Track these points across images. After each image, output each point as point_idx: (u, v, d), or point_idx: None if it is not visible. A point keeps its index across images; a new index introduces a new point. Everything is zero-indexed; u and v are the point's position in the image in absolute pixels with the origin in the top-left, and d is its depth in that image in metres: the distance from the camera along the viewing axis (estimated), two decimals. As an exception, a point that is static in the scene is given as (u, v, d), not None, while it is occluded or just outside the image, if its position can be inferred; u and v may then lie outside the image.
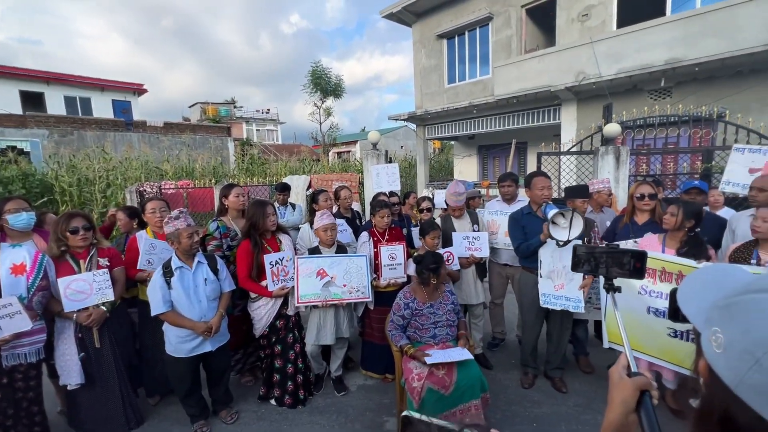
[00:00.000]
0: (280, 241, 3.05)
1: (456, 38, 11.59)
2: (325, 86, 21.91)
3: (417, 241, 3.55)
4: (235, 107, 33.54)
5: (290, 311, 3.00)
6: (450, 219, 3.59)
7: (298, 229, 3.93)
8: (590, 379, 3.34)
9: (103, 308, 2.54)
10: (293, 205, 4.92)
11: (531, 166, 10.44)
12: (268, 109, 35.73)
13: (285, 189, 4.90)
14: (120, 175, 9.69)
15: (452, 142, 15.43)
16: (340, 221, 3.57)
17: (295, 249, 3.18)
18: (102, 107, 18.74)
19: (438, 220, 3.69)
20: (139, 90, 20.34)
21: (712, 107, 6.58)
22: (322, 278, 2.95)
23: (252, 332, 3.07)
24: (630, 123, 7.08)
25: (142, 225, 3.18)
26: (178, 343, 2.56)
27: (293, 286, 2.93)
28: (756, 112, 6.28)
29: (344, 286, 3.00)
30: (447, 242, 3.47)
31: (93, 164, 9.88)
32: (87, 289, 2.49)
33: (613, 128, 5.51)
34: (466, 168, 13.42)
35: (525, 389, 3.20)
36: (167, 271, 2.53)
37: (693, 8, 7.34)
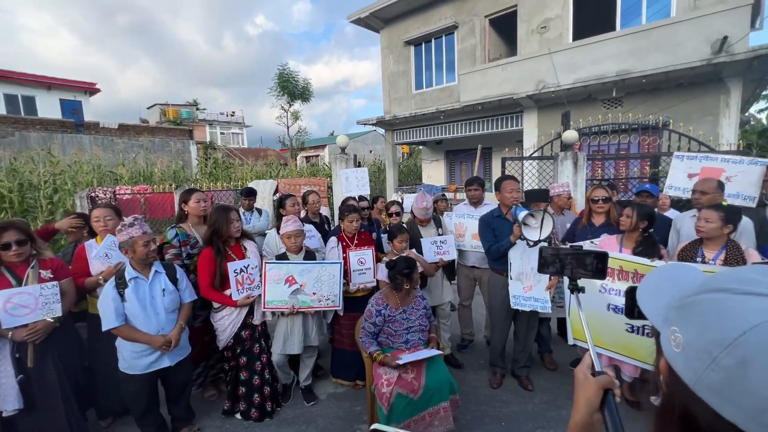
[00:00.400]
0: (245, 248, 2.94)
1: (423, 45, 11.81)
2: (293, 90, 21.63)
3: (387, 246, 3.55)
4: (197, 109, 32.31)
5: (256, 320, 2.89)
6: (416, 225, 3.63)
7: (264, 235, 3.82)
8: (554, 375, 3.46)
9: (50, 319, 2.32)
10: (259, 211, 4.78)
11: (496, 171, 10.77)
12: (233, 112, 34.73)
13: (251, 194, 4.76)
14: (69, 179, 9.01)
15: (420, 147, 15.65)
16: (309, 226, 3.51)
17: (261, 256, 3.08)
18: (48, 107, 17.42)
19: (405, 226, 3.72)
20: (90, 89, 19.11)
21: (658, 116, 7.15)
22: (290, 285, 2.87)
23: (215, 344, 2.94)
24: (586, 130, 7.49)
25: (93, 233, 2.96)
26: (133, 359, 2.39)
27: (259, 295, 2.83)
28: (696, 122, 6.86)
29: (314, 294, 2.92)
30: (414, 248, 3.48)
31: (38, 168, 9.13)
32: (32, 303, 2.27)
33: (571, 135, 5.78)
34: (434, 172, 13.66)
35: (494, 389, 3.26)
36: (120, 282, 2.37)
37: (639, 24, 7.89)
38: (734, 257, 2.49)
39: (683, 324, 0.49)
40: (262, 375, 2.90)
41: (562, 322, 3.89)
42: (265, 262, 2.85)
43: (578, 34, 8.79)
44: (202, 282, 2.76)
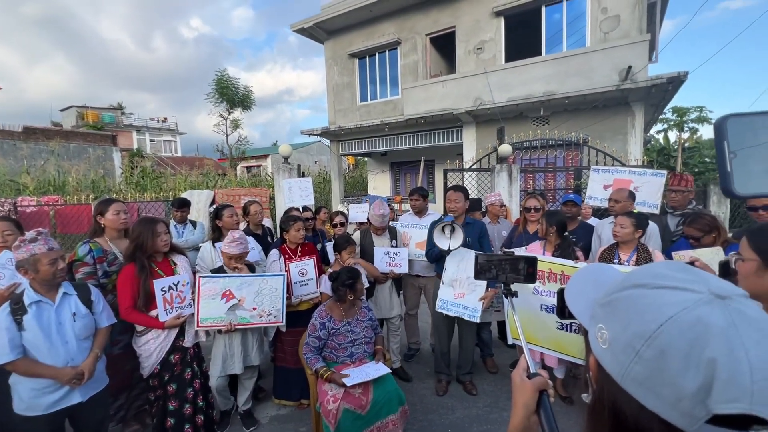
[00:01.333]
0: (175, 264, 2.69)
1: (367, 58, 12.00)
2: (233, 96, 20.91)
3: (332, 257, 3.47)
4: (123, 113, 29.65)
5: (188, 343, 2.64)
6: (369, 234, 3.61)
7: (199, 248, 3.55)
8: (496, 378, 3.60)
9: None
10: (193, 223, 4.45)
11: (438, 182, 11.14)
12: (165, 118, 32.40)
13: (184, 205, 4.41)
14: (-44, 189, 7.69)
15: (366, 158, 15.74)
16: (249, 238, 3.36)
17: (194, 272, 2.84)
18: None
19: (356, 235, 3.67)
20: (-13, 86, 16.66)
21: (579, 134, 7.93)
22: (228, 300, 2.67)
23: (138, 372, 2.62)
24: (519, 145, 8.12)
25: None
26: (33, 398, 2.04)
27: (192, 314, 2.59)
28: (609, 139, 7.72)
29: (254, 309, 2.74)
30: (366, 257, 3.47)
31: None
32: None
33: (505, 149, 6.19)
34: (380, 183, 13.80)
35: (440, 396, 3.30)
36: (17, 308, 2.02)
37: (561, 51, 8.77)
38: (644, 258, 2.79)
39: (608, 321, 0.50)
40: (194, 402, 2.64)
41: (502, 326, 4.10)
42: (199, 276, 2.64)
43: (510, 57, 9.52)
44: (122, 303, 2.46)
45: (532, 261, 1.35)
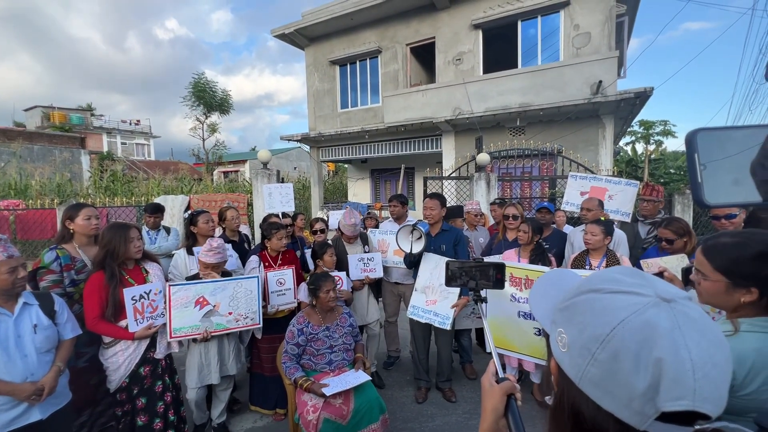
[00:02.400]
0: (147, 271, 2.58)
1: (348, 66, 12.03)
2: (210, 100, 20.52)
3: (311, 264, 3.43)
4: (93, 115, 28.52)
5: (159, 354, 2.52)
6: (341, 242, 3.59)
7: (172, 256, 3.44)
8: (475, 385, 3.62)
9: None
10: (167, 229, 4.30)
11: (419, 189, 11.23)
12: (138, 121, 31.38)
13: (157, 210, 4.26)
14: None
15: (346, 165, 15.74)
16: (226, 245, 3.28)
17: (167, 279, 2.73)
18: None
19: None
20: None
21: (553, 144, 8.21)
22: (202, 307, 2.58)
23: (104, 386, 2.49)
24: (496, 153, 8.30)
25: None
26: (-15, 417, 1.89)
27: (164, 324, 2.49)
28: (581, 150, 8.01)
29: (229, 314, 2.66)
30: (340, 265, 3.44)
31: None
32: None
33: (483, 158, 6.34)
34: (360, 190, 13.78)
35: (419, 404, 3.29)
36: (-29, 320, 1.88)
37: (536, 64, 9.07)
38: (613, 264, 2.90)
39: (566, 325, 0.52)
40: (165, 417, 2.52)
41: (481, 332, 4.14)
42: (169, 285, 2.53)
43: (488, 68, 9.78)
44: (89, 313, 2.34)
45: (500, 267, 1.40)
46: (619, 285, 0.49)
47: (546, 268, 2.93)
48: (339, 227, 3.66)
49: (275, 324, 2.98)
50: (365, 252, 3.57)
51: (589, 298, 0.51)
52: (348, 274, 3.35)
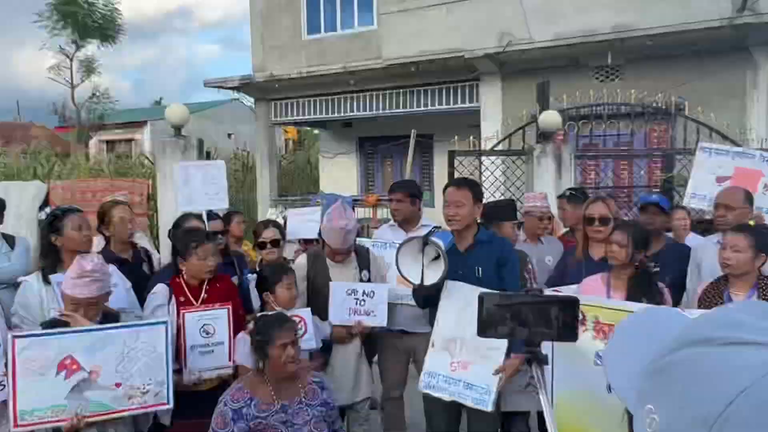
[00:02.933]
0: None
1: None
2: (84, 19, 15.37)
3: (256, 299, 2.69)
4: None
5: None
6: (324, 261, 2.83)
7: (18, 284, 2.61)
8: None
9: None
10: (9, 240, 3.23)
11: (439, 172, 8.69)
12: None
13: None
14: None
15: (317, 131, 12.55)
16: (112, 268, 2.47)
17: (9, 327, 2.18)
18: None
19: (301, 262, 2.89)
20: None
21: (670, 96, 6.30)
22: (69, 375, 2.02)
23: None
24: (573, 112, 6.35)
25: None
26: None
27: (4, 401, 1.95)
28: (718, 107, 5.98)
29: (117, 386, 2.09)
30: (318, 299, 2.67)
31: None
32: None
33: (551, 118, 5.00)
34: (341, 173, 10.25)
35: None
36: None
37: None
38: (769, 301, 2.47)
39: (658, 398, 0.42)
40: None
41: (543, 417, 3.80)
42: (13, 336, 1.97)
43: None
44: None
45: (571, 305, 1.16)
46: (743, 332, 0.36)
47: (648, 306, 2.17)
48: (321, 234, 2.92)
49: (199, 401, 2.27)
50: (363, 280, 2.78)
51: (694, 354, 0.39)
52: (327, 314, 2.66)
